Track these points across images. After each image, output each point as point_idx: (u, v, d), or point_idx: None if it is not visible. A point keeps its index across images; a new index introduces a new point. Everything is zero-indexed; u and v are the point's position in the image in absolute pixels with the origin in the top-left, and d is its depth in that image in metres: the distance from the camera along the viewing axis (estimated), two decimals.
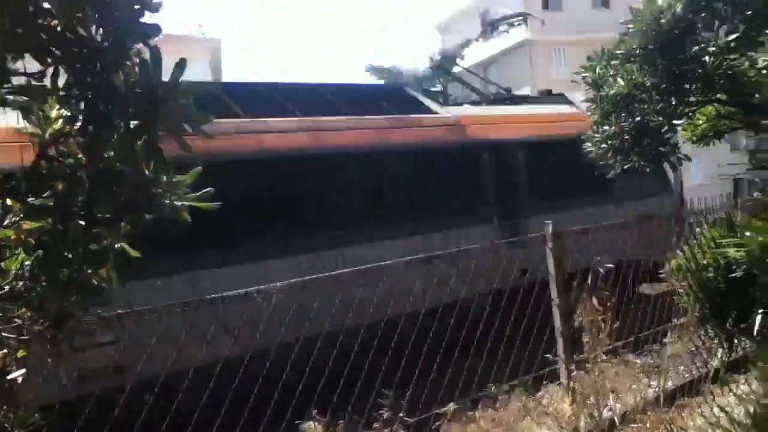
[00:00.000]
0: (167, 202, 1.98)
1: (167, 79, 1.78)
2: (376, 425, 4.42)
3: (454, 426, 4.70)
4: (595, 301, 4.65)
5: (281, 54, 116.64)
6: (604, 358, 4.83)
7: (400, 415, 4.51)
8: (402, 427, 4.52)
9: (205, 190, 2.08)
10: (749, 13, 3.77)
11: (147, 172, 1.93)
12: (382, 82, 40.87)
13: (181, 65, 1.78)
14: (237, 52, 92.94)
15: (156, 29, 1.77)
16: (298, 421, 4.25)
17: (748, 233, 4.31)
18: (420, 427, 4.79)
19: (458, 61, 32.90)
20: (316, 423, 4.15)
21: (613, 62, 4.25)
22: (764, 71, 3.69)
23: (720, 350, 5.51)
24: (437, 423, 4.82)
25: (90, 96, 1.77)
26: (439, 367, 4.99)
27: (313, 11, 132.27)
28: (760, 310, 4.17)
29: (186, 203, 2.02)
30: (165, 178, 1.94)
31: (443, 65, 31.86)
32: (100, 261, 2.01)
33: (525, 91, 36.57)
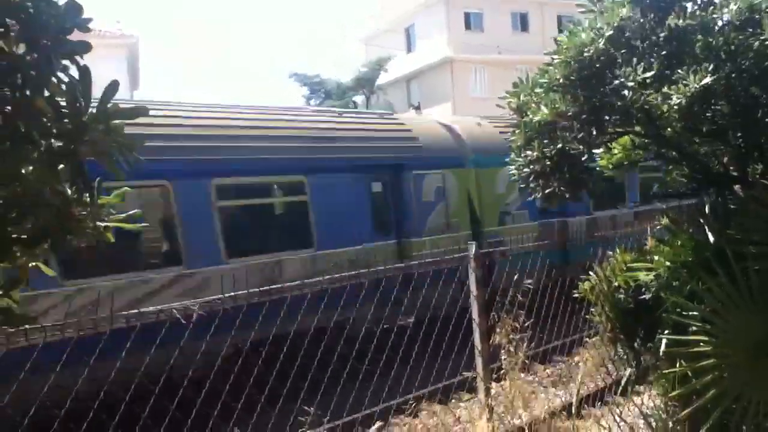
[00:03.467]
0: (90, 224, 1.85)
1: (96, 100, 1.65)
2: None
3: None
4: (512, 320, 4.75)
5: (201, 56, 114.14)
6: (521, 376, 4.96)
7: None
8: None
9: (132, 212, 2.02)
10: (664, 53, 3.99)
11: (69, 194, 1.80)
12: (305, 89, 40.53)
13: (112, 86, 1.66)
14: (156, 51, 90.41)
15: (85, 46, 1.64)
16: None
17: (656, 257, 4.48)
18: None
19: (382, 73, 32.97)
20: None
21: (537, 90, 4.39)
22: (675, 107, 3.86)
23: (628, 368, 5.77)
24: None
25: (9, 112, 1.63)
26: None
27: (239, 14, 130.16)
28: (665, 332, 4.33)
29: (111, 224, 1.93)
30: (89, 199, 1.82)
31: (367, 76, 31.88)
32: (13, 283, 1.91)
33: (446, 107, 37.21)
